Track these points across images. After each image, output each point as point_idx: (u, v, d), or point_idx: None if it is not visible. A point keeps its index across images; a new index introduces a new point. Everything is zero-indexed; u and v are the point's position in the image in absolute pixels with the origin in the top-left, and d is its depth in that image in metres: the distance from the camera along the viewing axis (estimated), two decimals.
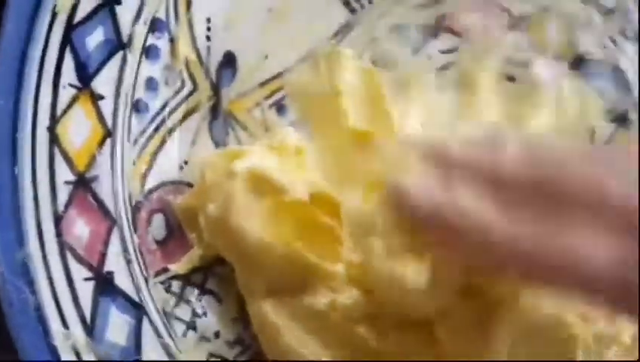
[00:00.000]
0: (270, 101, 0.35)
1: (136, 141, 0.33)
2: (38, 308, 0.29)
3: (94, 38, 0.31)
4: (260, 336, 0.31)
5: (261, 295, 0.31)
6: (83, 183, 0.31)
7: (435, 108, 0.33)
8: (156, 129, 0.33)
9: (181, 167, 0.34)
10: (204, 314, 0.33)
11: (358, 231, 0.30)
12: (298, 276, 0.31)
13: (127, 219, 0.32)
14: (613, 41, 0.36)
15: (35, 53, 0.30)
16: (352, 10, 0.36)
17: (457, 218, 0.25)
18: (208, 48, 0.35)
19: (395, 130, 0.31)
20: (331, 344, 0.31)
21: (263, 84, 0.35)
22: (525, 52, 0.36)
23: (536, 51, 0.36)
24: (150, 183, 0.33)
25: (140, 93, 0.33)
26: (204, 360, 0.32)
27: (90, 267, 0.30)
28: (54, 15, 0.31)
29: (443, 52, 0.36)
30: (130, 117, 0.33)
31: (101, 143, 0.31)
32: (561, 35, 0.36)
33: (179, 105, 0.34)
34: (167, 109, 0.34)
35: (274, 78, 0.35)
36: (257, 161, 0.31)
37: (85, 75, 0.31)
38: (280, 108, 0.35)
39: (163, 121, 0.34)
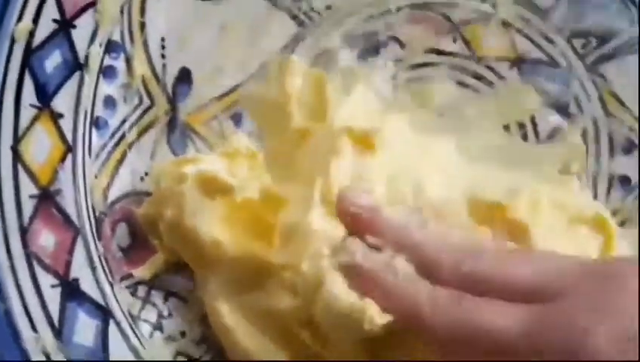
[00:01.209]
0: (227, 113, 0.37)
1: (97, 156, 0.35)
2: (8, 314, 0.31)
3: (52, 61, 0.33)
4: (218, 335, 0.33)
5: (216, 295, 0.33)
6: (47, 197, 0.33)
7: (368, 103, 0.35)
8: (116, 144, 0.35)
9: (142, 179, 0.36)
10: (170, 315, 0.35)
11: (287, 234, 0.32)
12: (252, 275, 0.33)
13: (91, 228, 0.34)
14: (551, 41, 0.38)
15: None
16: (301, 23, 0.38)
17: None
18: (164, 65, 0.37)
19: (330, 123, 0.33)
20: (283, 345, 0.32)
21: (219, 98, 0.37)
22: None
23: (476, 57, 0.38)
24: (113, 195, 0.35)
25: (99, 111, 0.35)
26: (171, 359, 0.34)
27: (56, 274, 0.32)
28: (13, 41, 0.33)
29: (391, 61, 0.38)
30: (90, 133, 0.34)
31: (63, 159, 0.33)
32: (501, 37, 0.38)
33: (137, 120, 0.36)
34: (127, 125, 0.36)
35: (229, 91, 0.37)
36: (207, 165, 0.33)
37: (45, 96, 0.33)
38: (237, 119, 0.37)
39: (123, 136, 0.36)
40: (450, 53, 0.38)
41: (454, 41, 0.38)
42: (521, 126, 0.37)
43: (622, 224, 0.36)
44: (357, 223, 0.30)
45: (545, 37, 0.38)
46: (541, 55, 0.38)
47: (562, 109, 0.38)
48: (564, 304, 0.25)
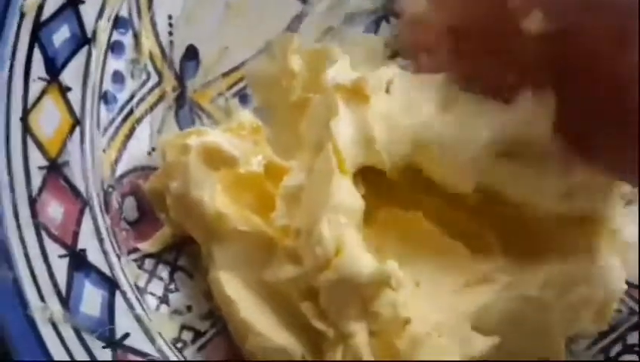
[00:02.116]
0: (233, 90, 0.38)
1: (105, 130, 0.35)
2: (17, 283, 0.31)
3: (60, 35, 0.34)
4: (220, 306, 0.33)
5: (219, 266, 0.33)
6: (55, 168, 0.33)
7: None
8: (124, 119, 0.36)
9: (150, 153, 0.36)
10: (176, 289, 0.35)
11: (288, 197, 0.32)
12: (255, 248, 0.33)
13: (99, 201, 0.34)
14: None
15: (6, 50, 0.33)
16: (305, 2, 0.38)
17: None
18: (171, 42, 0.37)
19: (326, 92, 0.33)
20: (284, 319, 0.32)
21: (225, 75, 0.38)
22: None
23: None
24: (121, 169, 0.35)
25: (107, 86, 0.35)
26: (177, 332, 0.34)
27: (64, 245, 0.33)
28: (22, 15, 0.33)
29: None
30: (98, 107, 0.35)
31: (71, 131, 0.34)
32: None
33: (145, 96, 0.36)
34: (135, 100, 0.36)
35: (235, 68, 0.38)
36: (210, 137, 0.33)
37: (53, 69, 0.34)
38: (242, 96, 0.38)
39: (131, 111, 0.36)
40: None
41: None
42: None
43: (626, 205, 0.37)
44: None
45: None
46: None
47: None
48: None
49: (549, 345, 0.34)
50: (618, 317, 0.35)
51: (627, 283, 0.34)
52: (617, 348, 0.35)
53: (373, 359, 0.32)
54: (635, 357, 0.35)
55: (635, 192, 0.36)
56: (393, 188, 0.34)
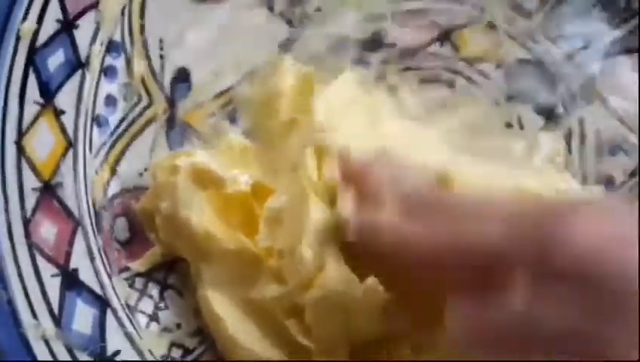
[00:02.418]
0: (223, 111, 0.39)
1: (98, 152, 0.36)
2: (10, 302, 0.32)
3: (55, 59, 0.35)
4: (208, 324, 0.34)
5: (208, 285, 0.34)
6: (48, 190, 0.34)
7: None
8: (116, 140, 0.37)
9: (141, 175, 0.37)
10: (166, 307, 0.36)
11: (270, 220, 0.33)
12: (242, 267, 0.34)
13: (91, 221, 0.35)
14: (537, 42, 0.39)
15: (2, 73, 0.34)
16: (294, 28, 0.39)
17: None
18: (162, 66, 0.38)
19: (314, 116, 0.34)
20: (270, 335, 0.33)
21: (215, 97, 0.38)
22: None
23: (463, 59, 0.39)
24: (113, 190, 0.36)
25: (100, 109, 0.36)
26: (166, 349, 0.35)
27: (57, 264, 0.33)
28: (18, 39, 0.34)
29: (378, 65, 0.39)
30: (91, 130, 0.36)
31: (64, 154, 0.35)
32: (487, 42, 0.40)
33: (137, 117, 0.37)
34: (126, 122, 0.37)
35: (225, 90, 0.39)
36: (199, 157, 0.34)
37: (48, 93, 0.34)
38: (232, 117, 0.39)
39: (123, 133, 0.37)
40: (438, 56, 0.39)
41: (442, 44, 0.39)
42: (508, 126, 0.39)
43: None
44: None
45: (531, 38, 0.39)
46: (528, 56, 0.39)
47: (548, 110, 0.39)
48: None
49: None
50: None
51: None
52: None
53: None
54: None
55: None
56: None
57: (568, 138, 0.39)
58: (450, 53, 0.39)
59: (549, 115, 0.39)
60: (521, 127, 0.39)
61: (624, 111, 0.38)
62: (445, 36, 0.39)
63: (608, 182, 0.38)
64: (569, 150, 0.38)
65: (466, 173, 0.31)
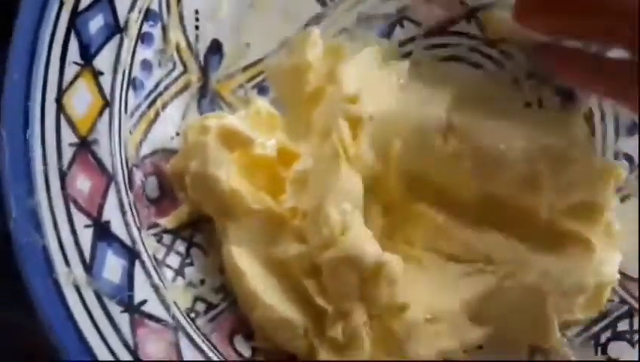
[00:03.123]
0: (252, 83, 0.40)
1: (132, 113, 0.38)
2: (45, 249, 0.34)
3: (95, 24, 0.36)
4: (230, 279, 0.35)
5: (232, 240, 0.35)
6: (85, 145, 0.36)
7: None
8: (151, 104, 0.38)
9: (172, 138, 0.39)
10: (192, 263, 0.37)
11: (297, 181, 0.34)
12: (266, 226, 0.35)
13: (124, 177, 0.36)
14: None
15: (45, 35, 0.36)
16: (323, 4, 0.41)
17: None
18: (197, 36, 0.40)
19: (341, 86, 0.36)
20: (289, 294, 0.35)
21: (246, 68, 0.40)
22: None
23: (488, 38, 0.40)
24: (145, 150, 0.38)
25: (136, 72, 0.38)
26: (190, 303, 0.36)
27: (90, 216, 0.35)
28: (62, 4, 0.36)
29: (403, 42, 0.40)
30: (127, 92, 0.37)
31: (101, 112, 0.36)
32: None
33: (171, 84, 0.39)
34: (161, 87, 0.39)
35: (256, 62, 0.40)
36: (228, 120, 0.36)
37: (87, 55, 0.36)
38: (261, 88, 0.40)
39: (157, 98, 0.38)
40: (463, 35, 0.40)
41: (468, 23, 0.40)
42: (527, 105, 0.40)
43: (622, 200, 0.38)
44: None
45: None
46: (549, 39, 0.40)
47: (567, 91, 0.40)
48: None
49: (543, 332, 0.35)
50: (610, 305, 0.36)
51: (620, 273, 0.36)
52: (608, 334, 0.36)
53: (369, 339, 0.34)
54: (624, 343, 0.36)
55: (632, 185, 0.38)
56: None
57: (589, 118, 0.40)
58: (475, 32, 0.40)
59: (569, 96, 0.40)
60: (540, 107, 0.40)
61: None
62: (471, 15, 0.40)
63: (628, 160, 0.39)
64: (592, 131, 0.39)
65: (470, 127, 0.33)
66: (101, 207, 0.35)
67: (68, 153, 0.35)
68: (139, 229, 0.36)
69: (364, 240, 0.33)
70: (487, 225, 0.36)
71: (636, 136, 0.39)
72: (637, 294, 0.37)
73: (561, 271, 0.35)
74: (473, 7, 0.40)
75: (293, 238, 0.35)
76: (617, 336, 0.36)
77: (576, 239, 0.35)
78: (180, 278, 0.37)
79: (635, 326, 0.36)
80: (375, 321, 0.34)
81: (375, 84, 0.37)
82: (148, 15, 0.38)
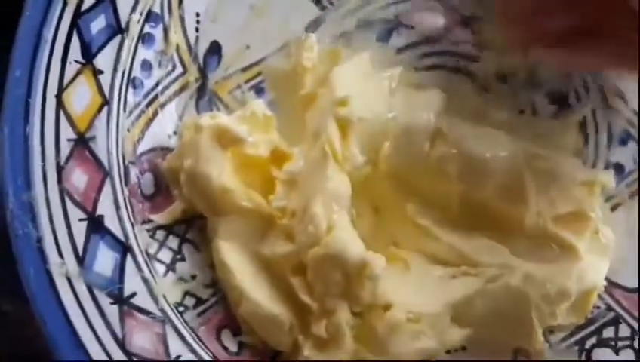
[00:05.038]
0: (250, 84, 0.41)
1: (131, 112, 0.39)
2: (39, 241, 0.35)
3: (97, 24, 0.38)
4: (219, 272, 0.36)
5: (222, 236, 0.36)
6: (82, 141, 0.37)
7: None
8: (149, 103, 0.39)
9: (169, 137, 0.39)
10: (183, 259, 0.38)
11: (287, 181, 0.35)
12: (255, 224, 0.36)
13: (119, 173, 0.37)
14: None
15: (48, 34, 0.37)
16: (323, 8, 0.41)
17: None
18: (197, 38, 0.41)
19: (331, 91, 0.36)
20: (276, 291, 0.35)
21: (244, 70, 0.41)
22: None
23: (482, 47, 0.41)
24: (142, 148, 0.39)
25: (136, 72, 0.39)
26: (180, 297, 0.37)
27: (84, 210, 0.36)
28: (65, 4, 0.37)
29: (400, 48, 0.41)
30: (126, 90, 0.38)
31: (99, 110, 0.37)
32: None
33: (170, 84, 0.40)
34: (160, 87, 0.40)
35: (254, 64, 0.41)
36: (222, 119, 0.36)
37: (88, 53, 0.37)
38: (258, 90, 0.41)
39: (155, 97, 0.39)
40: (459, 43, 0.41)
41: (463, 31, 0.41)
42: (521, 112, 0.40)
43: (613, 209, 0.38)
44: None
45: None
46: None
47: (562, 100, 0.40)
48: None
49: (527, 335, 0.36)
50: (595, 312, 0.36)
51: (607, 280, 0.36)
52: (593, 340, 0.37)
53: (352, 336, 0.34)
54: (609, 350, 0.36)
55: (622, 194, 0.38)
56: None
57: (583, 127, 0.40)
58: (470, 40, 0.41)
59: (562, 104, 0.40)
60: (534, 114, 0.40)
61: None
62: (466, 24, 0.41)
63: (618, 169, 0.39)
64: (585, 140, 0.40)
65: (458, 132, 0.33)
66: (96, 202, 0.36)
67: (66, 148, 0.36)
68: (132, 224, 0.37)
69: (348, 240, 0.34)
70: (473, 229, 0.36)
71: (629, 146, 0.39)
72: (623, 301, 0.37)
73: (544, 276, 0.35)
74: (468, 17, 0.41)
75: (281, 237, 0.36)
76: (602, 343, 0.37)
77: (561, 245, 0.35)
78: (170, 273, 0.37)
79: (621, 334, 0.37)
80: (358, 319, 0.34)
81: (367, 88, 0.37)
82: (149, 16, 0.39)
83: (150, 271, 0.37)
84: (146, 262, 0.37)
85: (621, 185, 0.39)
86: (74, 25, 0.37)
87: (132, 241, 0.37)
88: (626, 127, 0.39)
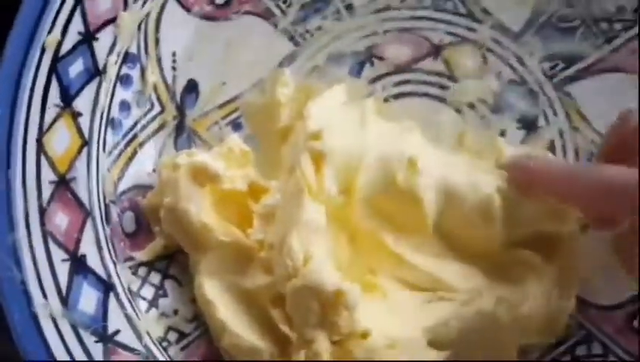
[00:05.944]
0: (227, 120, 0.42)
1: (110, 152, 0.40)
2: (23, 283, 0.36)
3: (75, 68, 0.39)
4: (201, 307, 0.37)
5: (203, 272, 0.37)
6: (63, 182, 0.38)
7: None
8: (128, 143, 0.40)
9: (149, 175, 0.40)
10: (165, 294, 0.39)
11: (264, 215, 0.36)
12: (235, 258, 0.37)
13: (100, 213, 0.38)
14: (522, 62, 0.42)
15: (28, 79, 0.38)
16: (296, 44, 0.43)
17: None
18: (174, 77, 0.42)
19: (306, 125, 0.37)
20: (257, 323, 0.36)
21: (221, 106, 0.42)
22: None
23: (453, 74, 0.42)
24: (122, 187, 0.40)
25: (115, 113, 0.40)
26: (163, 332, 0.38)
27: (67, 250, 0.37)
28: (43, 50, 0.38)
29: (372, 78, 0.42)
30: (105, 131, 0.39)
31: (79, 151, 0.38)
32: (475, 58, 0.42)
33: (148, 123, 0.41)
34: (138, 126, 0.41)
35: (230, 100, 0.42)
36: (198, 156, 0.37)
37: (67, 97, 0.38)
38: (235, 125, 0.42)
39: (134, 136, 0.41)
40: (430, 72, 0.42)
41: (433, 61, 0.42)
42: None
43: (582, 229, 0.39)
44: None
45: (517, 59, 0.42)
46: (513, 75, 0.41)
47: (530, 124, 0.41)
48: None
49: (501, 356, 0.36)
50: (568, 331, 0.37)
51: (579, 299, 0.37)
52: (567, 358, 0.37)
53: None
54: None
55: None
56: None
57: (551, 149, 0.41)
58: (441, 70, 0.42)
59: (531, 127, 0.41)
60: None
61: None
62: (437, 53, 0.42)
63: None
64: None
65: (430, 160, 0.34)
66: (78, 242, 0.37)
67: (47, 190, 0.37)
68: (114, 262, 0.38)
69: (324, 271, 0.35)
70: (447, 254, 0.37)
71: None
72: (595, 319, 0.38)
73: (516, 298, 0.36)
74: (439, 46, 0.42)
75: (260, 269, 0.36)
76: (575, 361, 0.37)
77: (531, 267, 0.36)
78: (153, 309, 0.38)
79: (593, 351, 0.37)
80: (337, 347, 0.35)
81: (341, 120, 0.38)
82: (127, 58, 0.40)
83: (133, 308, 0.37)
84: (128, 299, 0.37)
85: None
86: (53, 69, 0.38)
87: (114, 279, 0.37)
88: (590, 147, 0.41)
